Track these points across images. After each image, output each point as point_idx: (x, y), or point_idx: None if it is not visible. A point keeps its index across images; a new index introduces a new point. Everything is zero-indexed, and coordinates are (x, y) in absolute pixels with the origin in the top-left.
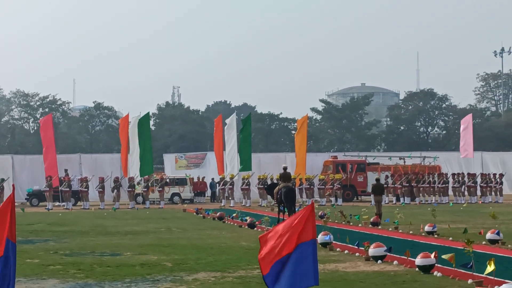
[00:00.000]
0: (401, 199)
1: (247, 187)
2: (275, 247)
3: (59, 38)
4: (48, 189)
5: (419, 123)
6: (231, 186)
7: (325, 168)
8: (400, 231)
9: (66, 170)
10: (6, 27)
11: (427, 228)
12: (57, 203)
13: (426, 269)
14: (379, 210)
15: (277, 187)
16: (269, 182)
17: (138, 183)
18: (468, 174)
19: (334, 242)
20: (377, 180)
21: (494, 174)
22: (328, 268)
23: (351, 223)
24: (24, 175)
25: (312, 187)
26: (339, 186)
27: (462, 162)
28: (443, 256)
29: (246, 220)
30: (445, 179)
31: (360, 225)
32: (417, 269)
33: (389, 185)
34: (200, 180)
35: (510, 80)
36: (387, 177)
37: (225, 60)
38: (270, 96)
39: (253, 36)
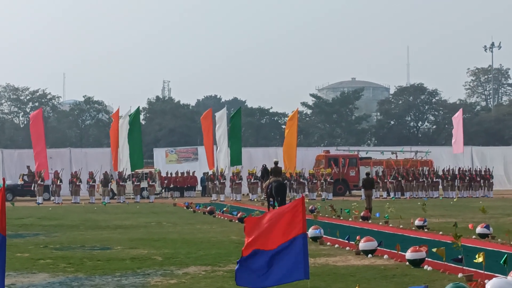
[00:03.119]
0: (391, 193)
1: (237, 181)
2: (262, 235)
3: (49, 32)
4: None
5: (409, 118)
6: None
7: (317, 162)
8: (390, 225)
9: (28, 167)
10: None
11: (417, 222)
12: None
13: (416, 263)
14: (369, 204)
15: (267, 181)
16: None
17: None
18: (458, 168)
19: (324, 236)
20: (368, 174)
21: (484, 169)
22: (318, 262)
23: (341, 218)
24: (14, 169)
25: (302, 181)
26: (330, 180)
27: (452, 157)
28: (433, 249)
29: (236, 214)
30: (435, 173)
31: (350, 219)
32: (407, 263)
33: (379, 180)
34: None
35: (500, 75)
36: (377, 171)
37: (216, 54)
38: (261, 91)
39: (243, 31)
